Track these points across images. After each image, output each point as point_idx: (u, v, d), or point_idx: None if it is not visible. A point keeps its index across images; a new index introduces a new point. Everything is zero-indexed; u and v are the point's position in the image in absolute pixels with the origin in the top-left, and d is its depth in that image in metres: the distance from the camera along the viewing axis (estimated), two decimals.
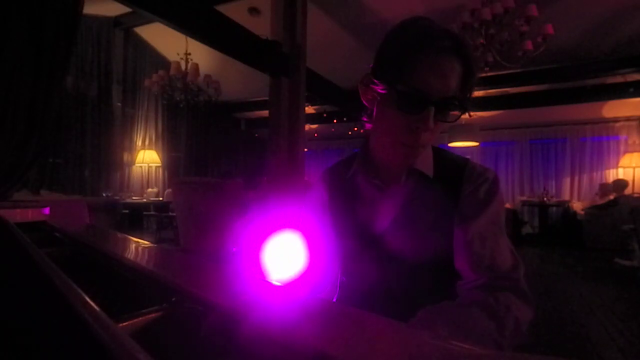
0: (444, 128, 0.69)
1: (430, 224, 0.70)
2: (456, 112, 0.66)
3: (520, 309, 0.60)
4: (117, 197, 5.05)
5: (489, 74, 3.91)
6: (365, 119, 0.74)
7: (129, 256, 0.72)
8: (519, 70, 4.96)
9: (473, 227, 0.66)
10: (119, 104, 5.85)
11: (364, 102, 0.72)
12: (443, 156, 0.75)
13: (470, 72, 0.64)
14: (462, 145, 6.84)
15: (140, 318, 0.42)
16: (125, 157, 6.01)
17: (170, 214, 5.26)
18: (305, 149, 4.41)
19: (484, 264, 0.64)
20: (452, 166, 0.72)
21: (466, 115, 0.67)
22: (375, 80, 0.65)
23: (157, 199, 5.90)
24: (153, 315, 0.43)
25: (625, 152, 6.49)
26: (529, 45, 3.35)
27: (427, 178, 0.71)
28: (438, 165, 0.73)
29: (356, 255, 0.79)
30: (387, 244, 0.73)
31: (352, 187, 0.79)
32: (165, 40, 5.69)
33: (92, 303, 0.33)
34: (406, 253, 0.72)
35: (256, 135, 9.07)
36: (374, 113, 0.69)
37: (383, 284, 0.75)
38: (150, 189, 6.25)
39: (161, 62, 6.04)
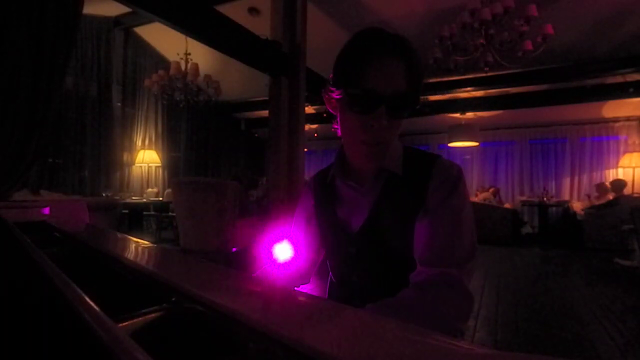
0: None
1: (400, 221, 0.73)
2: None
3: (451, 306, 0.63)
4: (116, 197, 5.04)
5: (489, 74, 3.91)
6: (335, 126, 0.78)
7: (129, 256, 0.72)
8: (519, 70, 4.97)
9: (427, 221, 0.69)
10: (119, 104, 5.85)
11: (329, 109, 0.77)
12: (412, 155, 0.78)
13: (416, 70, 0.68)
14: (462, 145, 6.84)
15: (140, 318, 0.42)
16: (125, 157, 6.01)
17: (170, 214, 5.26)
18: (305, 149, 4.41)
19: (430, 257, 0.67)
20: (421, 163, 0.75)
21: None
22: (332, 88, 0.71)
23: (157, 199, 5.89)
24: (153, 315, 0.43)
25: (625, 152, 6.50)
26: (528, 45, 3.35)
27: (397, 176, 0.74)
28: (407, 163, 0.76)
29: (337, 253, 0.85)
30: (362, 241, 0.77)
31: (333, 191, 0.84)
32: (165, 40, 5.69)
33: (92, 303, 0.33)
34: (380, 249, 0.75)
35: (256, 135, 9.06)
36: (338, 118, 0.75)
37: (364, 279, 0.79)
38: (150, 189, 6.25)
39: (161, 62, 6.04)
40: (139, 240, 0.88)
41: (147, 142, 6.34)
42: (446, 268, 0.65)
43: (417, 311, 0.62)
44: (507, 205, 6.38)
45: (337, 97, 0.71)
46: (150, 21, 4.76)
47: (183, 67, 5.02)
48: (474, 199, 6.45)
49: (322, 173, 0.90)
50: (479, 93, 6.06)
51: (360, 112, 0.67)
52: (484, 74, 4.22)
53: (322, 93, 0.76)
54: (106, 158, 5.53)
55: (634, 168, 6.29)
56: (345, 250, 0.80)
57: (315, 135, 8.32)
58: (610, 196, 5.59)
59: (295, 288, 0.91)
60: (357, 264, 0.79)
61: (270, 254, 0.94)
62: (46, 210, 1.29)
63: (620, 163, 6.51)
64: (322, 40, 4.24)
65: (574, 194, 7.01)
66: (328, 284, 0.92)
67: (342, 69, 0.70)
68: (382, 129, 0.67)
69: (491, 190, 6.82)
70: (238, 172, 7.38)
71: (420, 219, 0.70)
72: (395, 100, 0.66)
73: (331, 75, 0.73)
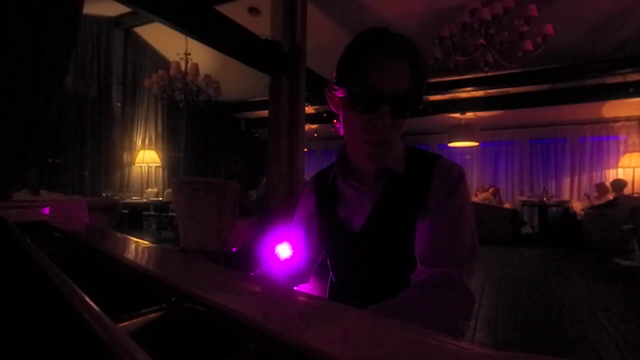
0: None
1: (401, 221, 0.73)
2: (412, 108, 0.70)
3: (452, 306, 0.63)
4: (116, 197, 5.04)
5: (489, 74, 3.91)
6: (338, 125, 0.78)
7: (129, 256, 0.72)
8: (519, 70, 4.97)
9: (428, 221, 0.69)
10: (119, 104, 5.85)
11: (332, 108, 0.77)
12: (414, 154, 0.78)
13: (419, 70, 0.68)
14: (462, 145, 6.84)
15: (140, 318, 0.42)
16: (125, 157, 6.01)
17: (170, 214, 5.26)
18: (305, 149, 4.40)
19: (432, 256, 0.67)
20: (423, 163, 0.75)
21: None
22: (335, 87, 0.71)
23: (156, 199, 5.89)
24: (153, 315, 0.43)
25: (625, 152, 6.50)
26: (528, 45, 3.35)
27: (398, 176, 0.75)
28: (409, 163, 0.76)
29: (338, 253, 0.85)
30: (363, 241, 0.77)
31: (334, 190, 0.84)
32: (165, 40, 5.69)
33: (92, 303, 0.33)
34: (381, 249, 0.76)
35: (256, 135, 9.06)
36: (341, 117, 0.75)
37: (364, 279, 0.79)
38: (150, 189, 6.25)
39: (161, 62, 6.04)
40: (139, 240, 0.88)
41: (147, 142, 6.34)
42: (446, 268, 0.65)
43: (418, 311, 0.62)
44: (507, 205, 6.38)
45: (341, 95, 0.71)
46: (150, 21, 4.77)
47: (183, 67, 5.02)
48: (474, 199, 6.44)
49: (323, 172, 0.90)
50: (479, 93, 6.06)
51: (363, 111, 0.67)
52: (484, 74, 4.22)
53: (324, 91, 0.76)
54: (106, 158, 5.53)
55: (634, 168, 6.29)
56: (346, 250, 0.80)
57: (315, 135, 8.32)
58: (610, 196, 5.58)
59: (295, 287, 0.92)
60: (357, 263, 0.79)
61: (270, 253, 0.94)
62: (46, 210, 1.29)
63: (620, 163, 6.50)
64: (322, 40, 4.24)
65: (574, 194, 7.01)
66: (328, 284, 0.92)
67: (345, 68, 0.70)
68: (385, 128, 0.67)
69: (491, 190, 6.83)
70: (238, 171, 7.40)
71: (421, 219, 0.70)
72: (398, 99, 0.66)
73: (334, 74, 0.73)
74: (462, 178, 0.72)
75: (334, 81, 0.73)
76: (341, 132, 0.77)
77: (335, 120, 0.80)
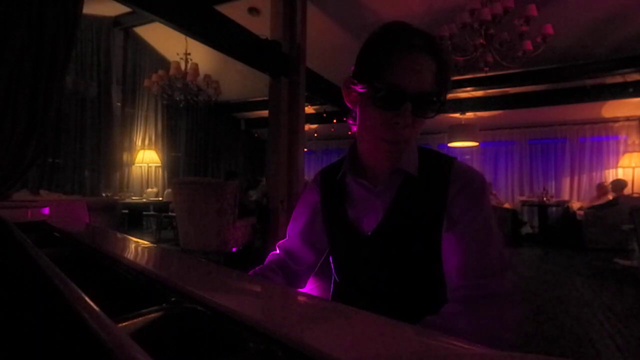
0: (425, 125, 0.70)
1: (416, 224, 0.71)
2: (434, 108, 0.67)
3: (503, 314, 0.62)
4: (116, 197, 5.04)
5: (489, 74, 3.91)
6: (350, 122, 0.76)
7: (129, 256, 0.72)
8: (519, 70, 4.96)
9: (460, 231, 0.67)
10: (119, 104, 5.85)
11: (347, 103, 0.74)
12: (429, 156, 0.76)
13: (444, 68, 0.66)
14: (462, 145, 6.84)
15: (140, 318, 0.42)
16: (125, 157, 6.01)
17: (170, 214, 5.26)
18: (305, 149, 4.40)
19: (469, 269, 0.65)
20: (438, 166, 0.73)
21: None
22: (355, 81, 0.68)
23: (156, 199, 5.89)
24: (153, 315, 0.43)
25: (625, 152, 6.49)
26: (528, 45, 3.35)
27: (413, 178, 0.72)
28: (423, 165, 0.74)
29: (347, 254, 0.81)
30: (374, 244, 0.74)
31: (342, 189, 0.80)
32: (165, 40, 5.69)
33: (92, 303, 0.33)
34: (392, 253, 0.73)
35: (256, 135, 9.06)
36: (357, 113, 0.72)
37: (372, 283, 0.76)
38: (149, 189, 6.25)
39: (161, 62, 6.04)
40: (139, 240, 0.88)
41: (147, 142, 6.34)
42: (491, 278, 0.64)
43: (473, 330, 0.60)
44: (507, 205, 6.38)
45: (360, 90, 0.67)
46: (150, 21, 4.76)
47: (183, 67, 5.02)
48: None
49: (329, 169, 0.86)
50: (479, 93, 6.06)
51: (385, 108, 0.64)
52: (484, 74, 4.22)
53: (342, 86, 0.73)
54: (106, 158, 5.52)
55: (633, 168, 6.28)
56: (354, 252, 0.78)
57: (315, 135, 8.32)
58: (610, 196, 5.58)
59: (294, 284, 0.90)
60: (366, 266, 0.76)
61: (269, 253, 0.93)
62: (46, 210, 1.29)
63: (620, 163, 6.50)
64: (322, 40, 4.24)
65: (574, 194, 7.01)
66: (332, 284, 0.89)
67: (367, 62, 0.67)
68: (406, 127, 0.65)
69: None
70: (238, 171, 7.40)
71: (448, 230, 0.68)
72: (421, 98, 0.64)
73: (353, 68, 0.70)
74: (484, 183, 0.71)
75: (352, 75, 0.70)
76: (354, 128, 0.75)
77: (348, 117, 0.77)
